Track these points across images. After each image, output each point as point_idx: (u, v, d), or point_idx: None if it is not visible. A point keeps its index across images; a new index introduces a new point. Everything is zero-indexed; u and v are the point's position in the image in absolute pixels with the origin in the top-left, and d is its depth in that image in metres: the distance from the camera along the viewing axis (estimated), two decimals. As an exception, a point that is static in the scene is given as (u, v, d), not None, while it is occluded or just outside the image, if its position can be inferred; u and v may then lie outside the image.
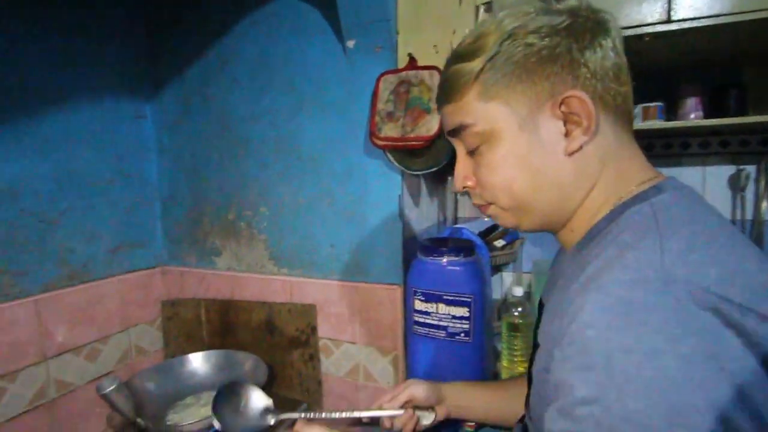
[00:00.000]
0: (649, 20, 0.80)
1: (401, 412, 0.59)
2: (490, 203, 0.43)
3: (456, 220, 1.12)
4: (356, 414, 0.61)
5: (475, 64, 0.38)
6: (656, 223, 0.33)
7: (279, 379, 0.98)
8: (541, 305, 0.50)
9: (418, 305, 0.74)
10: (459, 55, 0.40)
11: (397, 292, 0.86)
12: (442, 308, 0.72)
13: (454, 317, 0.71)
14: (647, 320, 0.27)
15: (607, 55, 0.37)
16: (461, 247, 0.73)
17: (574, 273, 0.36)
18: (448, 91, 0.41)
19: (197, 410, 0.83)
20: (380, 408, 0.61)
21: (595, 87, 0.36)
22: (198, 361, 0.93)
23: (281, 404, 0.91)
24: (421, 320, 0.74)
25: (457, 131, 0.42)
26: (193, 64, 1.02)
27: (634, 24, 0.80)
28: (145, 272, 1.07)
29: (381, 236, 0.87)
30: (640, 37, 0.81)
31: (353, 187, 0.89)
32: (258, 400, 0.63)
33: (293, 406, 0.90)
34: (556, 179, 0.39)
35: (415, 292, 0.74)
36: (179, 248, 1.10)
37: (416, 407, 0.61)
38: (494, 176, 0.41)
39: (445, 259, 0.73)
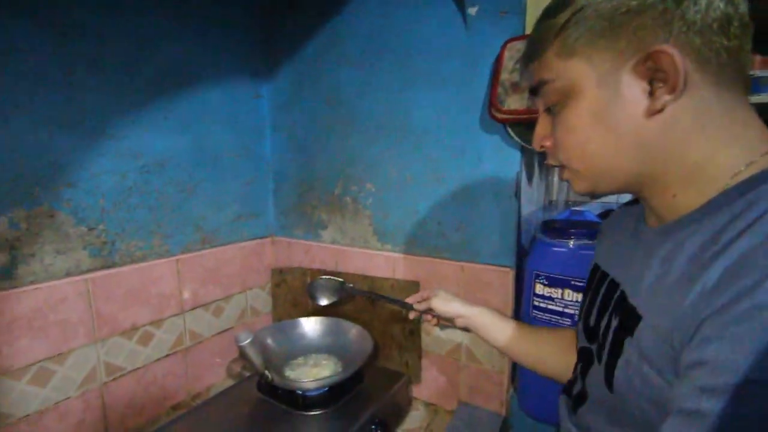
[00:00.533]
0: None
1: (409, 305, 0.74)
2: (564, 166, 0.42)
3: (567, 204, 1.04)
4: (385, 297, 0.84)
5: (560, 19, 0.37)
6: None
7: (380, 350, 1.01)
8: (601, 274, 0.47)
9: (540, 289, 0.70)
10: (548, 11, 0.39)
11: (509, 275, 0.82)
12: (569, 294, 0.67)
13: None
14: None
15: (712, 4, 0.32)
16: (595, 230, 0.67)
17: (699, 242, 0.33)
18: (533, 48, 0.40)
19: (309, 370, 0.89)
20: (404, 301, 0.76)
21: (692, 41, 0.33)
22: (309, 325, 0.99)
23: (381, 375, 0.94)
24: (543, 305, 0.70)
25: (537, 88, 0.41)
26: (306, 44, 1.05)
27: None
28: (258, 241, 1.16)
29: (493, 216, 0.84)
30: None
31: (465, 164, 0.86)
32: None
33: (394, 379, 0.92)
34: (636, 141, 0.36)
35: (538, 275, 0.70)
36: (288, 220, 1.17)
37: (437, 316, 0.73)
38: (568, 136, 0.39)
39: (572, 242, 0.68)
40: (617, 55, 0.35)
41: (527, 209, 0.94)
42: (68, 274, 0.76)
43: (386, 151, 0.96)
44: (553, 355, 0.60)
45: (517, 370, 0.86)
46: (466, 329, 0.69)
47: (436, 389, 0.95)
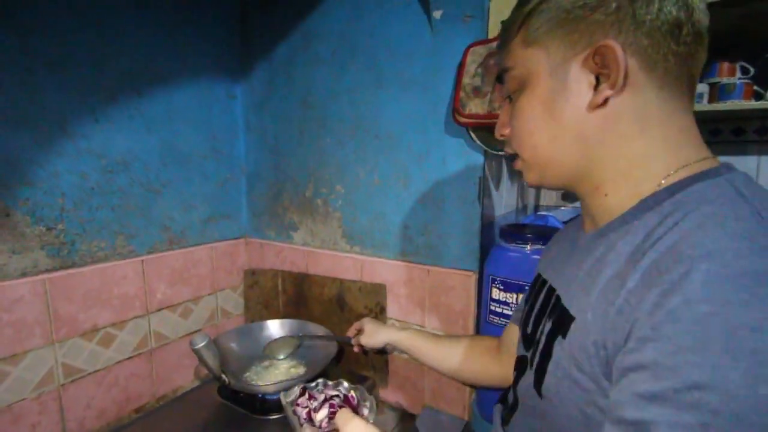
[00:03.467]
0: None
1: (348, 339, 0.81)
2: (517, 154, 0.43)
3: (537, 208, 1.04)
4: (326, 337, 0.92)
5: (526, 8, 0.38)
6: (742, 197, 0.30)
7: (347, 353, 1.00)
8: (542, 281, 0.48)
9: (496, 294, 0.70)
10: (519, 2, 0.40)
11: (472, 279, 0.82)
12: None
13: (536, 310, 0.66)
14: None
15: (664, 8, 0.33)
16: (550, 235, 0.67)
17: (632, 242, 0.33)
18: (502, 36, 0.42)
19: (272, 372, 0.88)
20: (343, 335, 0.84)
21: (639, 41, 0.33)
22: (275, 328, 0.98)
23: (347, 378, 0.93)
24: (498, 310, 0.70)
25: (501, 76, 0.42)
26: (280, 44, 1.05)
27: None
28: (231, 242, 1.15)
29: (457, 220, 0.83)
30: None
31: (430, 167, 0.86)
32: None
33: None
34: (578, 133, 0.37)
35: (494, 279, 0.70)
36: (261, 221, 1.16)
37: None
38: (519, 122, 0.40)
39: (529, 247, 0.68)
40: (570, 46, 0.36)
41: (499, 212, 0.93)
42: (24, 274, 0.75)
43: (355, 153, 0.96)
44: (471, 362, 0.62)
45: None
46: (403, 352, 0.75)
47: (402, 393, 0.95)
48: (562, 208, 1.02)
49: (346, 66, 0.94)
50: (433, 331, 0.88)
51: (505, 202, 0.98)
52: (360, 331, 0.78)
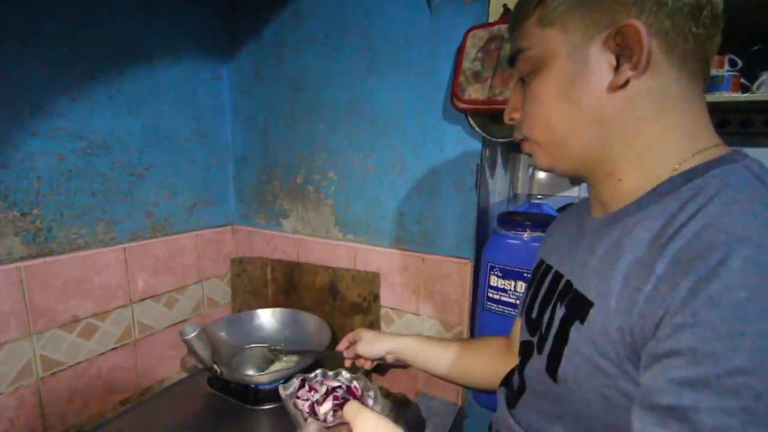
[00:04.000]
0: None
1: (340, 354, 0.73)
2: (527, 138, 0.42)
3: (530, 197, 1.05)
4: (313, 351, 0.82)
5: None
6: (762, 182, 0.31)
7: (338, 340, 0.99)
8: (546, 267, 0.47)
9: (494, 281, 0.70)
10: None
11: (467, 267, 0.82)
12: (521, 286, 0.67)
13: (534, 296, 0.67)
14: None
15: None
16: (545, 222, 0.67)
17: (651, 227, 0.33)
18: (515, 16, 0.40)
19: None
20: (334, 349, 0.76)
21: (661, 21, 0.33)
22: (266, 317, 0.96)
23: (340, 366, 0.92)
24: (496, 297, 0.70)
25: (515, 57, 0.41)
26: (269, 24, 1.01)
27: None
28: (217, 230, 1.11)
29: (454, 207, 0.83)
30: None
31: (426, 154, 0.84)
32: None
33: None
34: (597, 115, 0.36)
35: (492, 267, 0.70)
36: (249, 208, 1.13)
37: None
38: (535, 106, 0.39)
39: (527, 234, 0.68)
40: (591, 26, 0.35)
41: (493, 201, 0.93)
42: (-3, 262, 0.70)
43: (349, 139, 0.94)
44: (479, 366, 0.60)
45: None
46: (402, 364, 0.69)
47: (395, 380, 0.95)
48: (555, 196, 1.03)
49: (339, 48, 0.91)
50: (429, 320, 0.88)
51: (498, 190, 0.98)
52: (354, 343, 0.71)
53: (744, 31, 0.86)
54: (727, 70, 0.86)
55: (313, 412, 0.50)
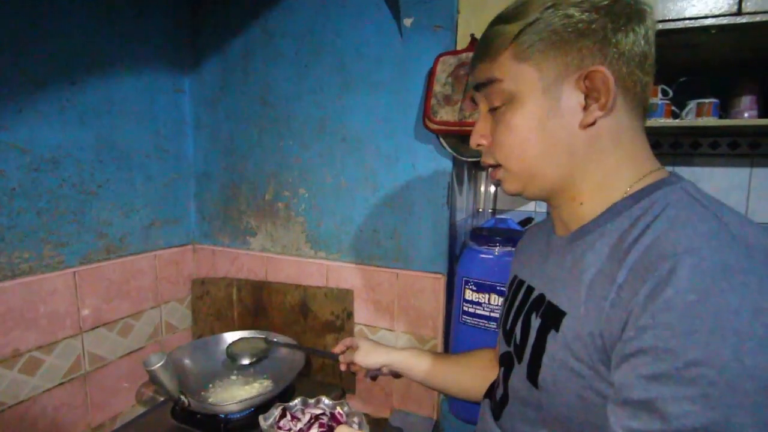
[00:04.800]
0: (717, 11, 0.77)
1: (336, 356, 0.72)
2: (500, 165, 0.44)
3: (494, 212, 1.10)
4: (311, 349, 0.86)
5: (515, 27, 0.40)
6: (698, 202, 0.35)
7: (312, 363, 0.97)
8: (518, 282, 0.51)
9: (469, 295, 0.73)
10: (502, 17, 0.42)
11: (441, 281, 0.84)
12: (495, 299, 0.70)
13: (507, 309, 0.70)
14: (747, 281, 0.29)
15: (637, 41, 0.38)
16: (518, 237, 0.71)
17: (608, 243, 0.37)
18: (486, 49, 0.43)
19: (234, 390, 0.82)
20: (329, 352, 0.75)
21: (620, 69, 0.38)
22: (233, 340, 0.91)
23: (315, 388, 0.90)
24: (471, 310, 0.73)
25: (485, 85, 0.43)
26: (236, 37, 0.99)
27: (701, 15, 0.77)
28: (177, 249, 1.05)
29: (426, 223, 0.85)
30: (706, 29, 0.78)
31: (400, 172, 0.86)
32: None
33: (327, 391, 0.89)
34: (568, 148, 0.40)
35: (467, 281, 0.73)
36: (212, 226, 1.08)
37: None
38: (510, 137, 0.42)
39: (498, 250, 0.71)
40: (564, 67, 0.39)
41: (458, 217, 0.97)
42: None
43: (321, 156, 0.94)
44: (470, 378, 0.62)
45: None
46: (396, 375, 0.69)
47: (370, 398, 0.94)
48: (514, 210, 1.09)
49: (310, 65, 0.92)
50: (404, 335, 0.89)
51: (464, 206, 1.02)
52: (351, 348, 0.71)
53: (672, 64, 0.98)
54: (660, 99, 0.97)
55: None
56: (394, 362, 0.67)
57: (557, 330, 0.39)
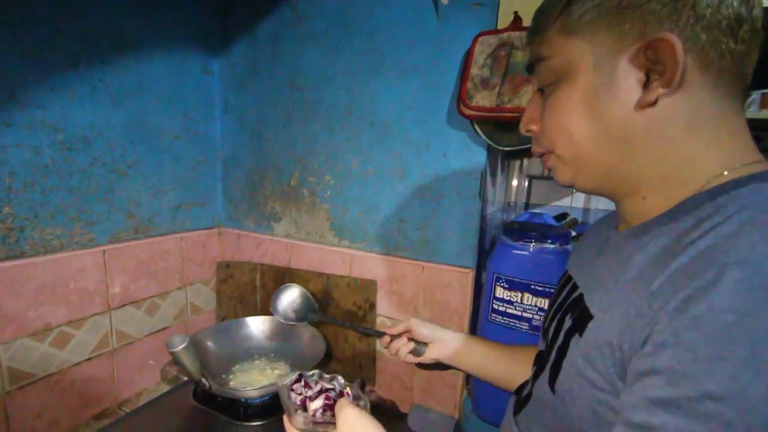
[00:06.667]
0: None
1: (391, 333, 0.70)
2: (550, 151, 0.40)
3: (527, 206, 1.04)
4: (359, 327, 0.80)
5: None
6: None
7: (333, 351, 0.96)
8: (567, 278, 0.46)
9: (500, 293, 0.68)
10: None
11: (469, 276, 0.80)
12: (529, 298, 0.66)
13: (541, 309, 0.65)
14: None
15: (727, 1, 0.31)
16: (555, 234, 0.66)
17: (662, 244, 0.32)
18: (535, 25, 0.39)
19: (254, 376, 0.82)
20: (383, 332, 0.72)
21: (698, 36, 0.31)
22: (256, 326, 0.92)
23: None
24: (501, 308, 0.69)
25: (534, 65, 0.39)
26: (266, 19, 0.97)
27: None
28: (203, 232, 1.06)
29: (456, 215, 0.81)
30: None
31: (429, 159, 0.82)
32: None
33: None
34: (622, 133, 0.34)
35: (498, 278, 0.68)
36: (238, 210, 1.08)
37: (413, 340, 0.68)
38: (556, 118, 0.38)
39: (533, 246, 0.67)
40: (619, 38, 0.33)
41: (490, 210, 0.92)
42: (-40, 266, 0.64)
43: (348, 142, 0.91)
44: (523, 374, 0.58)
45: (472, 372, 0.85)
46: (437, 365, 0.67)
47: (390, 392, 0.92)
48: (548, 205, 1.03)
49: (340, 47, 0.88)
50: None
51: (496, 198, 0.97)
52: (408, 334, 0.69)
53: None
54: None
55: (304, 407, 0.50)
56: (448, 340, 0.65)
57: (581, 335, 0.35)
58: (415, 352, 0.67)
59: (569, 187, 0.42)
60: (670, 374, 0.25)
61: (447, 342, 0.65)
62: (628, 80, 0.33)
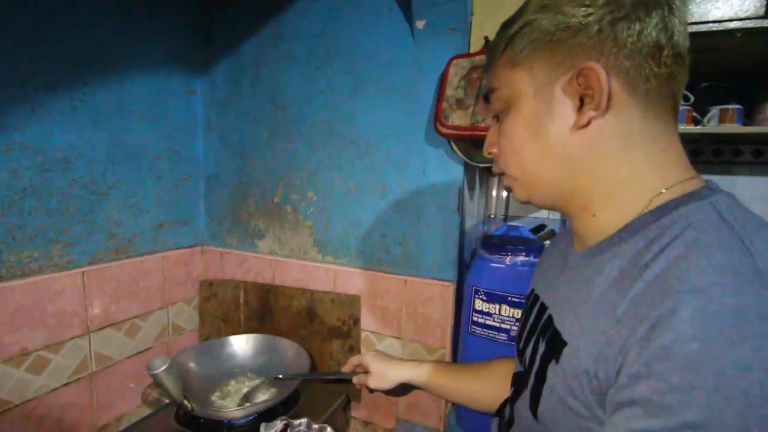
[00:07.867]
0: (743, 14, 0.74)
1: (348, 375, 0.72)
2: (504, 173, 0.43)
3: (506, 218, 1.08)
4: (319, 375, 0.85)
5: (510, 31, 0.38)
6: (727, 224, 0.30)
7: (318, 367, 0.96)
8: (534, 297, 0.48)
9: (479, 305, 0.70)
10: (504, 24, 0.41)
11: (450, 289, 0.82)
12: (506, 310, 0.68)
13: (518, 320, 0.68)
14: (765, 332, 0.24)
15: (645, 30, 0.33)
16: (531, 246, 0.69)
17: (619, 266, 0.34)
18: (487, 58, 0.43)
19: (238, 394, 0.81)
20: (338, 371, 0.75)
21: (621, 62, 0.34)
22: (239, 344, 0.91)
23: (318, 395, 0.88)
24: (481, 321, 0.71)
25: (488, 95, 0.43)
26: (248, 39, 0.99)
27: (726, 18, 0.74)
28: (186, 250, 1.05)
29: (436, 230, 0.83)
30: (731, 33, 0.75)
31: (409, 176, 0.85)
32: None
33: (332, 399, 0.87)
34: (562, 154, 0.38)
35: (477, 291, 0.71)
36: (221, 228, 1.08)
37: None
38: (506, 143, 0.41)
39: (509, 258, 0.69)
40: (554, 68, 0.36)
41: (469, 223, 0.95)
42: (-68, 292, 0.62)
43: (330, 159, 0.93)
44: (493, 390, 0.59)
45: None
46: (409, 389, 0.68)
47: (375, 407, 0.92)
48: (526, 217, 1.06)
49: (321, 68, 0.91)
50: (411, 343, 0.87)
51: (475, 212, 1.00)
52: (360, 367, 0.70)
53: (694, 69, 0.94)
54: (682, 104, 0.94)
55: None
56: (412, 380, 0.65)
57: (557, 361, 0.36)
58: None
59: (527, 204, 0.44)
60: (648, 405, 0.26)
61: (414, 381, 0.66)
62: (564, 105, 0.37)
